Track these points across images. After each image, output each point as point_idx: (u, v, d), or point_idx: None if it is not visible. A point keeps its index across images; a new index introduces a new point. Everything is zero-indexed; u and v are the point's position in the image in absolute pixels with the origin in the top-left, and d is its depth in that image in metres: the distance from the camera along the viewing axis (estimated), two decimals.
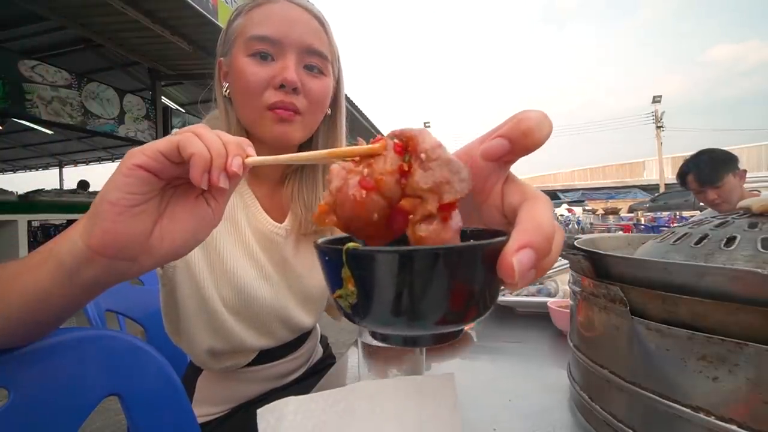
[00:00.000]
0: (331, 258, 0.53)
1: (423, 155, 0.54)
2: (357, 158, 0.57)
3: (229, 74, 1.59)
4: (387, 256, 0.49)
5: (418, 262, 0.48)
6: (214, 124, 1.64)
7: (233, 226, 1.62)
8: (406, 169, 0.55)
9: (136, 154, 0.78)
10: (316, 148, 1.69)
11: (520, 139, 0.56)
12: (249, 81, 1.48)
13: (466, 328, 1.67)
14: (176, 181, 0.86)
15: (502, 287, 0.58)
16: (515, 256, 0.48)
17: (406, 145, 0.56)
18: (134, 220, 0.80)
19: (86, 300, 0.90)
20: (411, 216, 0.53)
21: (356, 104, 16.92)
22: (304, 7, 1.55)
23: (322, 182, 1.76)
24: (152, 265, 0.85)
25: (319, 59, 1.56)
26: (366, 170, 0.55)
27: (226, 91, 1.60)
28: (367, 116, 18.93)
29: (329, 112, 1.70)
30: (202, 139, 0.80)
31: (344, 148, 0.61)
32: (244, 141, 0.85)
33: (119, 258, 0.81)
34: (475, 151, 0.60)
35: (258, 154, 1.48)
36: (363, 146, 0.58)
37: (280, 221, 1.71)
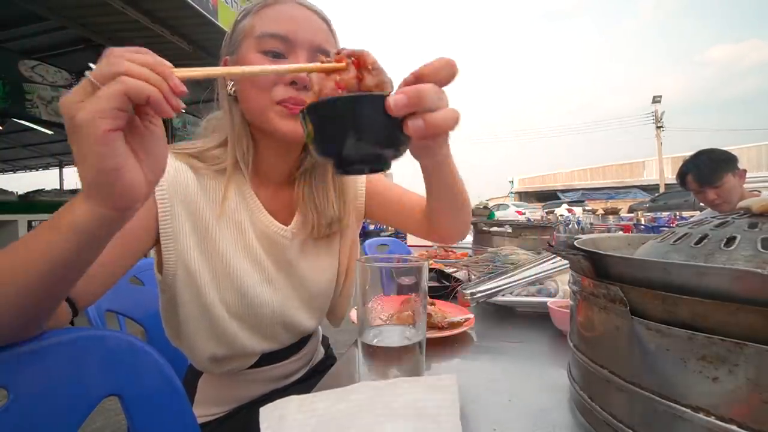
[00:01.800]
0: (300, 113, 0.92)
1: (370, 66, 0.99)
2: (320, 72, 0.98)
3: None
4: (324, 102, 0.88)
5: (339, 104, 0.87)
6: (215, 124, 1.64)
7: (236, 228, 1.62)
8: (360, 77, 0.99)
9: (98, 120, 0.78)
10: None
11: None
12: (260, 77, 1.47)
13: (464, 325, 1.67)
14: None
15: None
16: (391, 96, 0.87)
17: (359, 61, 1.00)
18: (135, 171, 0.86)
19: (95, 257, 0.97)
20: None
21: None
22: (311, 9, 1.55)
23: (333, 184, 1.76)
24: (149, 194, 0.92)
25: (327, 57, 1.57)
26: (338, 77, 0.98)
27: (231, 89, 1.59)
28: None
29: None
30: (137, 74, 0.81)
31: (318, 64, 1.01)
32: (158, 58, 0.87)
33: (134, 208, 0.90)
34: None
35: (264, 150, 1.59)
36: (331, 63, 1.00)
37: (286, 223, 1.70)
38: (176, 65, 0.89)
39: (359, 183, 1.91)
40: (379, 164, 0.94)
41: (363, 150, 0.89)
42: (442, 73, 0.92)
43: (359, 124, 0.86)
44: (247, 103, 1.54)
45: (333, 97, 0.87)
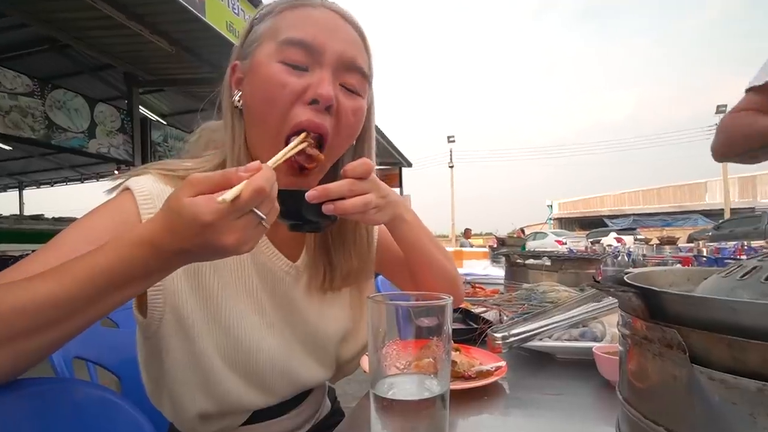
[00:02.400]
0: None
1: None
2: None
3: (246, 81, 1.57)
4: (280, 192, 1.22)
5: (281, 194, 1.22)
6: (209, 138, 1.65)
7: (233, 262, 1.62)
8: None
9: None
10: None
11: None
12: (277, 90, 1.47)
13: (494, 374, 1.67)
14: None
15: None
16: (311, 190, 1.37)
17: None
18: None
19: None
20: None
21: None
22: (346, 17, 1.56)
23: (354, 234, 1.80)
24: None
25: (358, 77, 1.58)
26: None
27: (237, 100, 1.59)
28: (386, 134, 19.00)
29: (353, 143, 1.72)
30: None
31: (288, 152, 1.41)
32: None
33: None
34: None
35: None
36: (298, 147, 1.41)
37: (293, 258, 1.72)
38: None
39: (371, 233, 1.91)
40: (313, 229, 1.54)
41: (300, 219, 1.46)
42: (358, 170, 1.48)
43: (291, 206, 1.39)
44: (254, 125, 1.56)
45: (279, 189, 1.22)
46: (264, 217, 1.13)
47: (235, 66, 1.61)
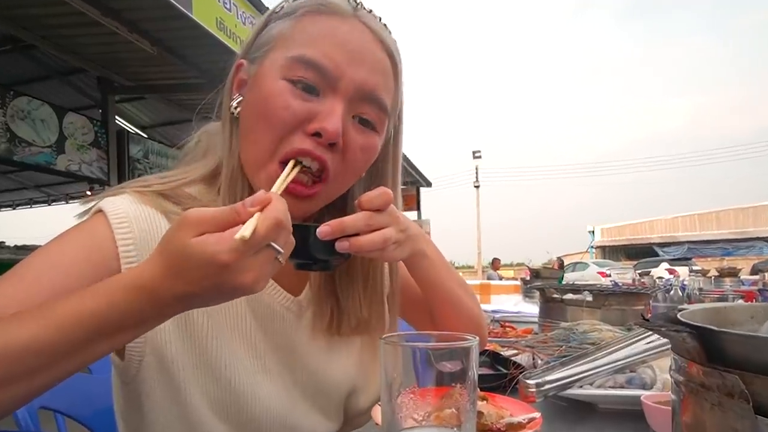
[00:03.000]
0: None
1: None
2: None
3: (248, 88, 1.56)
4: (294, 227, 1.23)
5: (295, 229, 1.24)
6: (209, 141, 1.65)
7: None
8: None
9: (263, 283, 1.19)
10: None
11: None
12: (277, 111, 1.45)
13: (527, 427, 1.67)
14: None
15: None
16: (322, 226, 1.37)
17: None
18: None
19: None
20: None
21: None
22: (378, 35, 1.54)
23: (362, 274, 1.78)
24: None
25: (376, 111, 1.56)
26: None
27: (234, 106, 1.58)
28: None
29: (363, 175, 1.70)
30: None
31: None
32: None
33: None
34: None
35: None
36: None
37: (295, 292, 1.71)
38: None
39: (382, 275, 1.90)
40: (322, 268, 1.52)
41: (309, 258, 1.43)
42: (376, 202, 1.46)
43: (299, 242, 1.29)
44: (246, 142, 1.54)
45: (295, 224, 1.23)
46: (281, 250, 1.15)
47: (240, 65, 1.60)
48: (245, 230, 1.06)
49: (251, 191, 1.53)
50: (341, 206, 1.71)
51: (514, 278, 28.00)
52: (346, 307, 1.72)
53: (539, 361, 2.43)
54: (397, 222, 1.53)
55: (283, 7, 1.56)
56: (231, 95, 1.59)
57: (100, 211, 1.48)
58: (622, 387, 2.05)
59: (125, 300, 1.11)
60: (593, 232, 70.06)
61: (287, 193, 1.43)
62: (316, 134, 1.44)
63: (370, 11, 1.57)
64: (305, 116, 1.44)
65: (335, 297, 1.73)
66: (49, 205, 24.79)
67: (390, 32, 1.59)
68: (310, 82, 1.44)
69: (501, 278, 26.93)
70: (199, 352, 1.54)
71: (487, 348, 2.78)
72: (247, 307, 1.61)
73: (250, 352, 1.61)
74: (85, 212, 1.54)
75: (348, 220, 1.41)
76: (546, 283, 4.17)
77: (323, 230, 1.38)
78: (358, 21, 1.51)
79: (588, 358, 2.07)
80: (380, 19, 1.60)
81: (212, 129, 1.68)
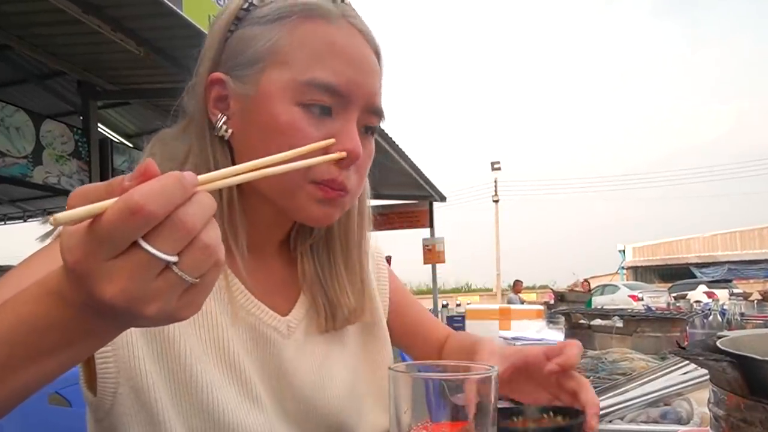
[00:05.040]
0: None
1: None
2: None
3: (241, 109, 1.53)
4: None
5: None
6: (164, 150, 1.62)
7: (206, 322, 1.57)
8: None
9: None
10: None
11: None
12: (296, 142, 1.40)
13: None
14: None
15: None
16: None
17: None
18: None
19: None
20: None
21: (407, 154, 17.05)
22: (366, 37, 1.55)
23: (344, 262, 1.77)
24: None
25: (379, 116, 1.59)
26: None
27: (223, 127, 1.54)
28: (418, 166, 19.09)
29: None
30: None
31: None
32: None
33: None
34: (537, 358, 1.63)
35: (252, 213, 1.64)
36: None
37: (283, 311, 1.70)
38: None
39: (381, 276, 1.96)
40: None
41: None
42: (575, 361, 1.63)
43: None
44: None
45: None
46: (164, 258, 0.83)
47: (218, 80, 1.55)
48: (78, 211, 0.81)
49: (246, 212, 1.59)
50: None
51: (536, 302, 28.00)
52: (335, 298, 1.73)
53: None
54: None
55: (263, 7, 1.53)
56: (211, 114, 1.56)
57: None
58: (655, 422, 2.05)
59: (37, 311, 0.95)
60: (624, 251, 69.92)
61: (320, 190, 1.47)
62: (340, 159, 1.43)
63: (348, 4, 1.57)
64: (326, 139, 1.43)
65: (323, 293, 1.74)
66: (25, 221, 24.63)
67: (365, 23, 1.58)
68: (326, 104, 1.45)
69: (523, 302, 26.85)
70: (179, 381, 1.52)
71: None
72: (230, 331, 1.59)
73: (235, 380, 1.59)
74: (47, 234, 1.46)
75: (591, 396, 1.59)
76: (572, 308, 4.17)
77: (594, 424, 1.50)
78: (347, 23, 1.51)
79: (618, 390, 2.07)
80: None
81: (167, 136, 1.66)
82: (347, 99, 1.46)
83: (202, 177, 0.93)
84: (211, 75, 1.56)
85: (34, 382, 1.04)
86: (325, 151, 1.41)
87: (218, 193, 1.52)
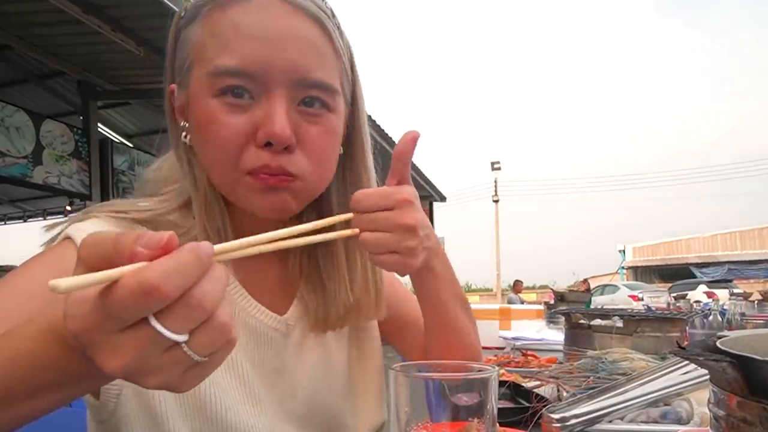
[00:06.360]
0: None
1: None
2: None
3: (188, 114, 1.55)
4: None
5: None
6: (167, 174, 1.63)
7: None
8: None
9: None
10: (330, 206, 1.71)
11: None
12: (219, 134, 1.43)
13: None
14: None
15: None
16: None
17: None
18: None
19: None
20: None
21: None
22: (295, 4, 1.45)
23: (346, 256, 1.74)
24: None
25: (322, 91, 1.51)
26: None
27: (184, 135, 1.57)
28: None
29: (341, 150, 1.68)
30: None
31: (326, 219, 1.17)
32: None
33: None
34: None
35: (242, 216, 1.64)
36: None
37: (280, 311, 1.69)
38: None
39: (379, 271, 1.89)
40: None
41: None
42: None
43: None
44: (208, 168, 1.52)
45: None
46: (175, 338, 0.82)
47: (171, 90, 1.60)
48: (84, 279, 0.77)
49: (228, 208, 1.59)
50: (327, 208, 1.72)
51: (536, 302, 27.95)
52: (333, 294, 1.71)
53: (564, 394, 2.42)
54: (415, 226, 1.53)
55: (183, 12, 1.56)
56: (176, 124, 1.60)
57: (68, 238, 1.46)
58: (655, 422, 2.04)
59: (35, 349, 0.95)
60: (624, 251, 69.78)
61: (259, 181, 1.44)
62: (268, 144, 1.41)
63: None
64: (249, 128, 1.42)
65: (321, 289, 1.73)
66: (25, 221, 24.65)
67: None
68: (240, 90, 1.42)
69: (523, 302, 26.85)
70: None
71: (507, 379, 2.77)
72: None
73: (237, 383, 1.60)
74: (51, 240, 1.53)
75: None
76: (572, 308, 4.16)
77: None
78: None
79: (618, 390, 2.06)
80: None
81: (167, 162, 1.69)
82: (262, 79, 1.41)
83: (218, 247, 0.93)
84: (169, 86, 1.60)
85: (29, 415, 1.06)
86: (254, 142, 1.43)
87: (212, 214, 1.56)
